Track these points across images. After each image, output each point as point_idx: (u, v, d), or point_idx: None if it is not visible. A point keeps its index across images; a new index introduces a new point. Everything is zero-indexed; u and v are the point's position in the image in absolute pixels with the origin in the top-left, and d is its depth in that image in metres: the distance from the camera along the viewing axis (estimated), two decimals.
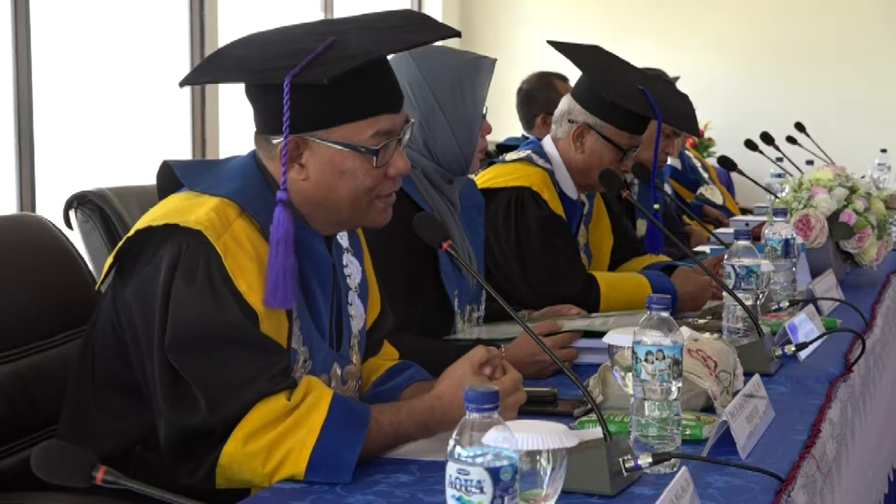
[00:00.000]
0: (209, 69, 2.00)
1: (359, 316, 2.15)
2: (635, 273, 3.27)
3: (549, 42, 3.18)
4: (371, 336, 2.21)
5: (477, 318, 2.79)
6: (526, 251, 3.10)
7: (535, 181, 3.16)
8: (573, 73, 3.28)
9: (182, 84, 2.03)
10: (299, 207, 1.96)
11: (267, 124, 1.95)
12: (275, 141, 1.94)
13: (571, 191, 3.27)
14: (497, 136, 5.67)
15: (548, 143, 3.29)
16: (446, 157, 2.63)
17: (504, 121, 5.73)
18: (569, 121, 3.23)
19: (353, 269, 2.15)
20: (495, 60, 2.68)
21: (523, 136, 5.18)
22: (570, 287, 3.02)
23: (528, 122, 5.37)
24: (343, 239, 2.15)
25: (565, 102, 3.28)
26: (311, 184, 1.94)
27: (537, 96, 5.33)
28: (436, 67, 2.59)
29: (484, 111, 2.66)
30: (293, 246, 1.87)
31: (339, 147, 1.92)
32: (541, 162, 3.22)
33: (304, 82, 1.85)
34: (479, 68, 2.63)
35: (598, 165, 3.18)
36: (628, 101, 3.15)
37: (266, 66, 1.90)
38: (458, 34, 2.07)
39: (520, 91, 5.39)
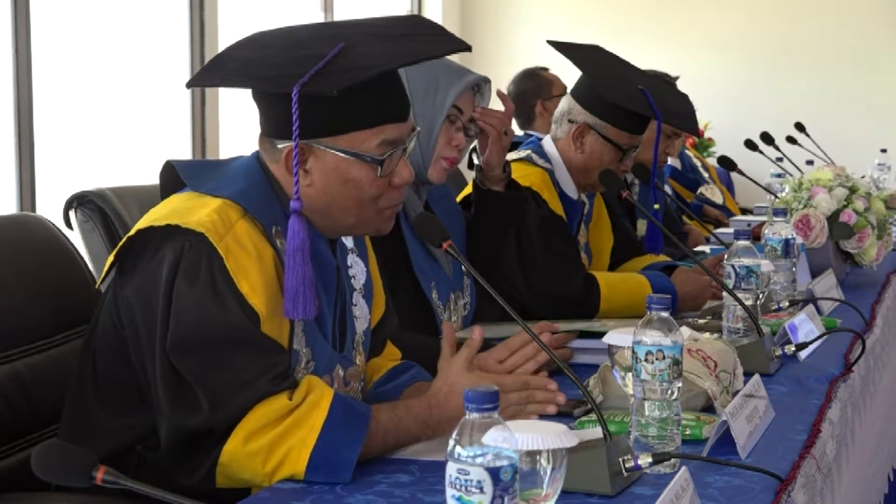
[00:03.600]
0: (217, 72, 1.99)
1: (363, 317, 2.15)
2: (635, 273, 3.27)
3: (549, 42, 3.18)
4: (374, 336, 2.21)
5: (464, 304, 2.78)
6: (526, 251, 3.09)
7: (535, 181, 3.16)
8: (573, 73, 3.27)
9: (189, 85, 2.04)
10: (303, 212, 1.96)
11: (273, 128, 1.95)
12: (280, 145, 1.94)
13: (571, 191, 3.27)
14: None
15: (548, 143, 3.29)
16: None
17: None
18: (569, 121, 3.23)
19: (357, 270, 2.15)
20: (488, 80, 2.67)
21: (526, 133, 5.19)
22: (571, 287, 3.01)
23: (526, 118, 5.39)
24: (347, 240, 2.15)
25: (565, 102, 3.29)
26: (315, 190, 1.94)
27: (527, 88, 5.37)
28: (422, 64, 2.59)
29: (461, 124, 2.64)
30: (309, 254, 1.88)
31: (345, 155, 1.92)
32: (541, 162, 3.22)
33: (313, 93, 1.85)
34: (460, 75, 2.62)
35: (598, 165, 3.18)
36: (628, 101, 3.15)
37: (274, 73, 1.89)
38: (468, 48, 2.03)
39: (508, 94, 5.41)
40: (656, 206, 3.43)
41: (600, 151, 3.19)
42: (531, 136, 4.35)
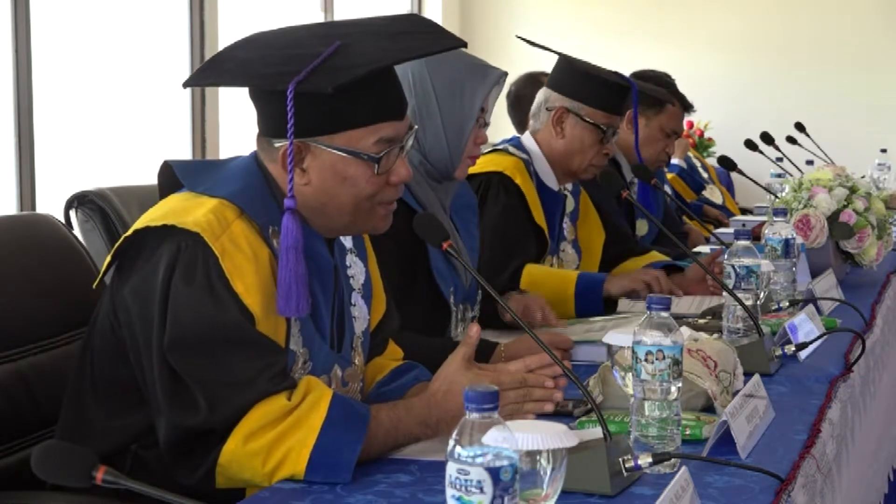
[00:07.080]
0: (213, 71, 2.00)
1: (362, 317, 2.14)
2: (570, 271, 3.28)
3: (519, 36, 3.24)
4: (376, 336, 2.20)
5: (472, 317, 2.78)
6: (483, 236, 3.09)
7: (507, 166, 3.19)
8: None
9: (185, 85, 2.04)
10: (300, 211, 1.96)
11: (269, 127, 1.95)
12: (277, 144, 1.94)
13: (552, 181, 3.29)
14: (494, 137, 5.67)
15: (526, 138, 3.34)
16: (434, 153, 2.61)
17: (502, 122, 5.73)
18: (546, 109, 3.28)
19: (356, 270, 2.15)
20: (506, 73, 2.68)
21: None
22: (498, 282, 2.99)
23: (520, 123, 5.38)
24: (347, 240, 2.15)
25: (541, 95, 3.35)
26: (312, 189, 1.94)
27: (527, 94, 5.35)
28: (442, 61, 2.59)
29: (483, 121, 2.65)
30: (303, 252, 1.88)
31: (342, 153, 1.92)
32: (517, 152, 3.26)
33: (309, 90, 1.85)
34: (484, 75, 2.64)
35: (579, 149, 3.22)
36: (602, 72, 3.19)
37: (270, 71, 1.90)
38: (464, 44, 2.05)
39: (509, 95, 5.41)
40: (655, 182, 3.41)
41: (581, 134, 3.23)
42: None
